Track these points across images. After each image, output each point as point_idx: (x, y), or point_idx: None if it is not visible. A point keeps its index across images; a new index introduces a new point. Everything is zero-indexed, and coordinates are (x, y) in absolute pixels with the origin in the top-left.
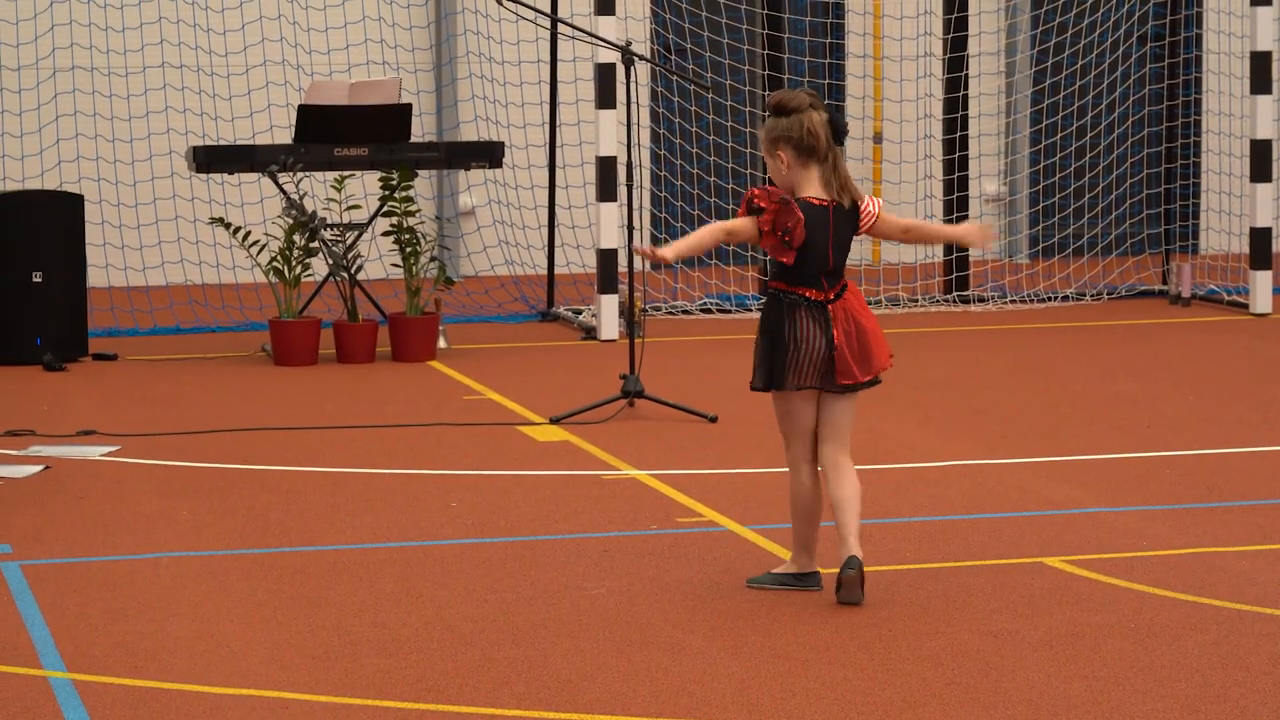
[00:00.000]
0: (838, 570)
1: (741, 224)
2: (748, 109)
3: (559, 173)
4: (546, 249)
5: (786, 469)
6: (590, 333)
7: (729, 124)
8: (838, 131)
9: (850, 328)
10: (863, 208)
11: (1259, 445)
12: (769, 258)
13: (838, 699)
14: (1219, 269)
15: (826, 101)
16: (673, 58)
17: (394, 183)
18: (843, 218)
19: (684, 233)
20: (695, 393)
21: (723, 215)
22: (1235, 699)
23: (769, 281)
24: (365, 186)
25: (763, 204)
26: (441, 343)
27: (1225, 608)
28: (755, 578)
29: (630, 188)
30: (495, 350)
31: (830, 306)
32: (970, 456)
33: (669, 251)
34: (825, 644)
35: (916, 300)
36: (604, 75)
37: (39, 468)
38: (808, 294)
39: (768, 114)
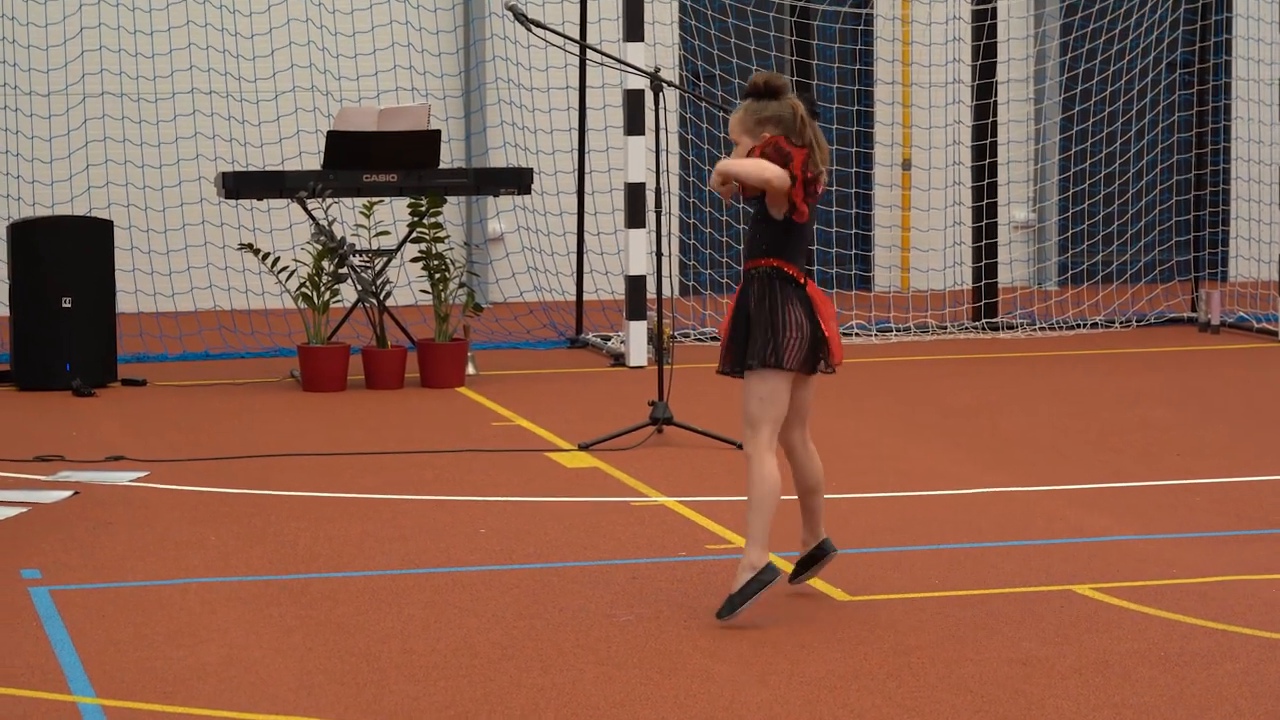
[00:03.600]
0: (809, 551)
1: (777, 173)
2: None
3: (588, 199)
4: (575, 275)
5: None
6: (619, 359)
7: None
8: (813, 111)
9: (825, 310)
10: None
11: None
12: (760, 229)
13: None
14: (1248, 296)
15: (855, 128)
16: (701, 84)
17: (423, 209)
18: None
19: (712, 262)
20: (724, 420)
21: None
22: None
23: (758, 259)
24: (394, 212)
25: (789, 149)
26: (470, 369)
27: (1256, 636)
28: (723, 610)
29: (659, 214)
30: (524, 376)
31: (807, 289)
32: (999, 484)
33: (719, 175)
34: (854, 671)
35: (946, 327)
36: (633, 101)
37: (68, 493)
38: (795, 274)
39: (748, 96)
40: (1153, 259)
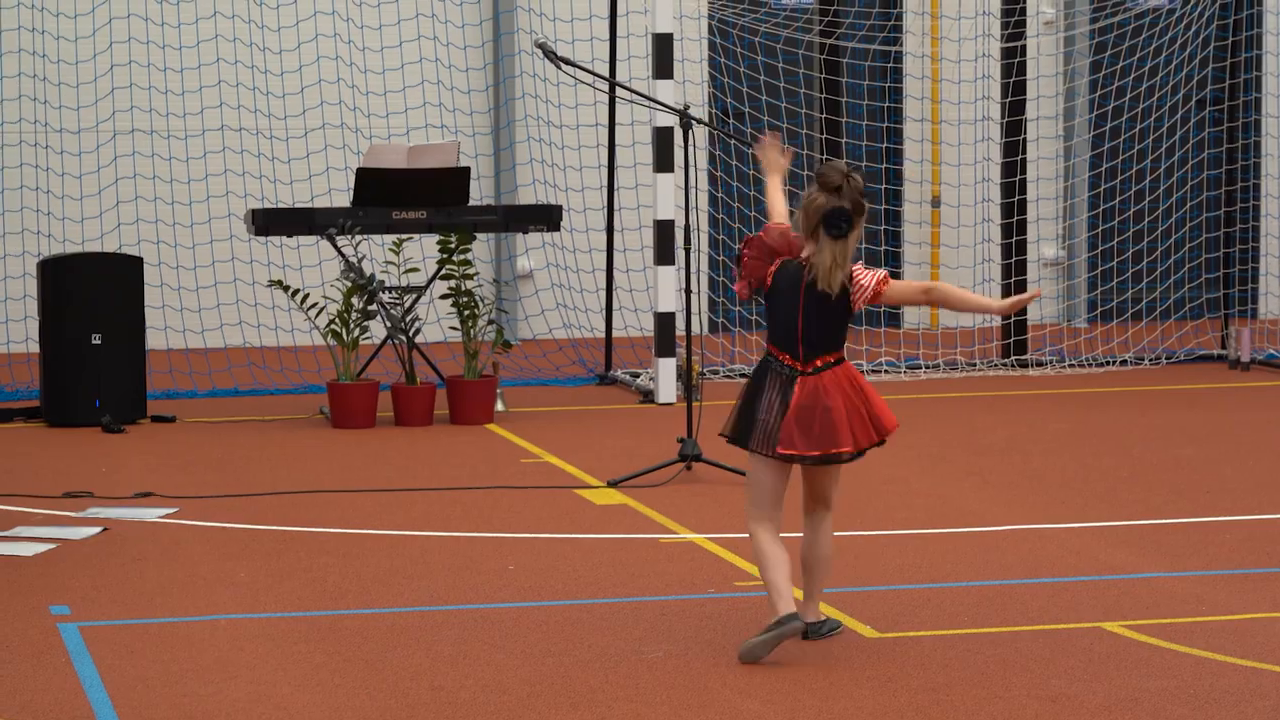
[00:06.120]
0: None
1: (775, 208)
2: (805, 172)
3: (617, 236)
4: (604, 312)
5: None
6: (648, 396)
7: (786, 187)
8: (829, 223)
9: (811, 402)
10: (854, 281)
11: None
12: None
13: None
14: (1279, 334)
15: (884, 166)
16: (730, 121)
17: (452, 246)
18: (820, 295)
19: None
20: None
21: None
22: None
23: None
24: (423, 249)
25: (774, 229)
26: (499, 406)
27: None
28: (746, 651)
29: (688, 251)
30: (553, 413)
31: (801, 379)
32: (1028, 521)
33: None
34: (882, 709)
35: (975, 364)
36: (662, 139)
37: (97, 529)
38: (784, 359)
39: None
40: (1182, 296)
